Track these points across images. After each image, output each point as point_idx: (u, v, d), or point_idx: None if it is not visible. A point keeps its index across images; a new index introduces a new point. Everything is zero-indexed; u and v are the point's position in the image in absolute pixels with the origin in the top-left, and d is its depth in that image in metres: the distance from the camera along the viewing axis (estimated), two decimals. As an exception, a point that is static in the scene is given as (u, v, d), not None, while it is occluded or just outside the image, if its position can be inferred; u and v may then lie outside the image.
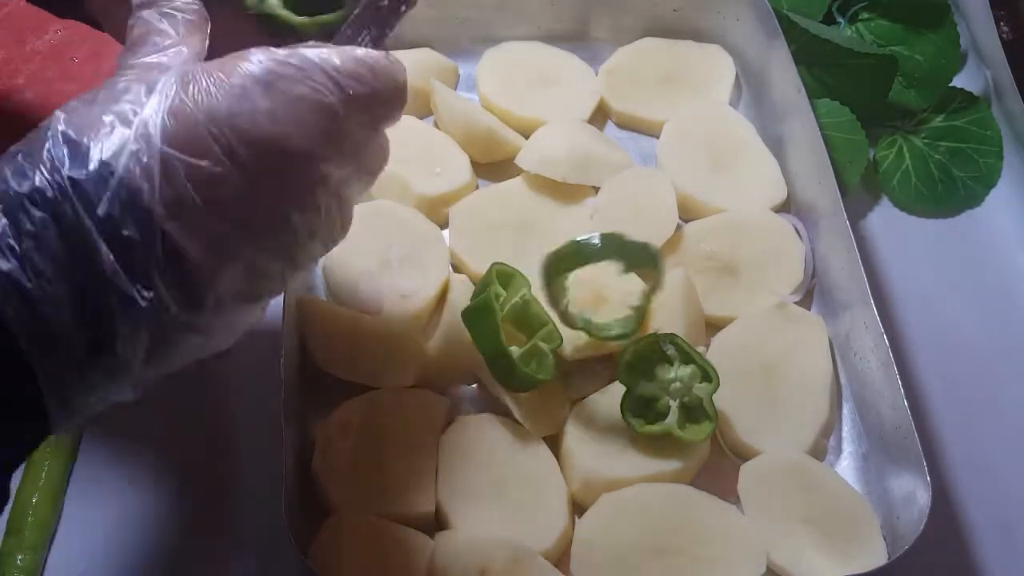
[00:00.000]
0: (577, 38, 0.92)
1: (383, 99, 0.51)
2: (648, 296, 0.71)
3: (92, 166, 0.45)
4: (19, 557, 0.65)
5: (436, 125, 0.87)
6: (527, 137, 0.84)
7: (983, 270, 0.83)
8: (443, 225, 0.80)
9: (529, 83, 0.88)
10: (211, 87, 0.46)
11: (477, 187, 0.83)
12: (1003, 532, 0.71)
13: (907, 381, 0.72)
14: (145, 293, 0.46)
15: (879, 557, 0.64)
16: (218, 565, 0.67)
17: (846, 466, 0.71)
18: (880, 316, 0.69)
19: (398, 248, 0.76)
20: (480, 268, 0.76)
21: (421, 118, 0.87)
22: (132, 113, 0.46)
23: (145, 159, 0.45)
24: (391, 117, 0.53)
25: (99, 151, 0.45)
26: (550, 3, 0.91)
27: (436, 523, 0.67)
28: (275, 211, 0.49)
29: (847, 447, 0.72)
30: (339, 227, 0.53)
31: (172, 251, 0.46)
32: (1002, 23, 0.89)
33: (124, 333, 0.46)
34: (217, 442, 0.72)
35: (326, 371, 0.71)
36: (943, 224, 0.86)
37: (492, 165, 0.84)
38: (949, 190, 0.86)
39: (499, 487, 0.67)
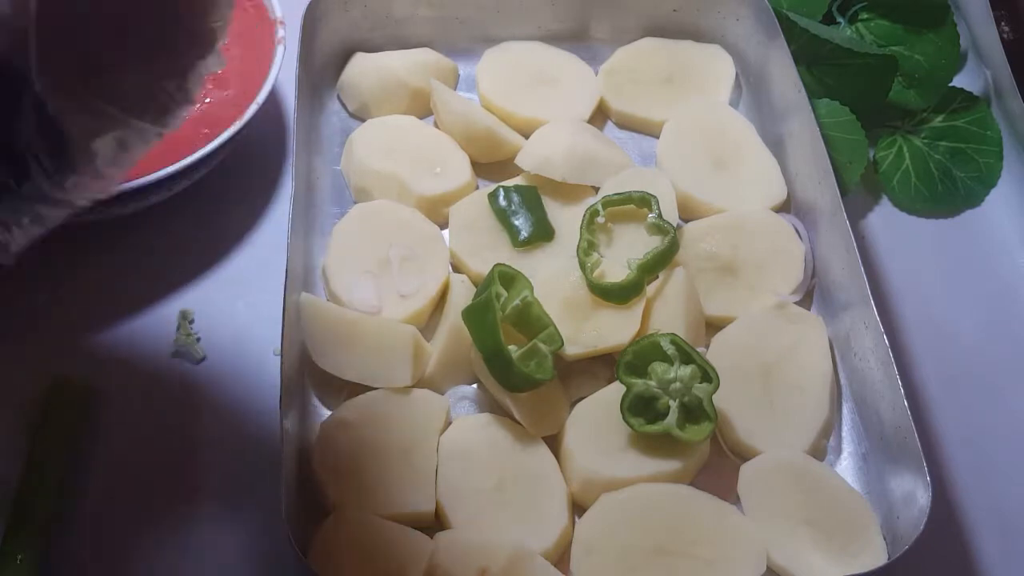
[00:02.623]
0: (577, 38, 0.92)
1: None
2: (653, 259, 0.73)
3: None
4: (19, 557, 0.65)
5: (436, 125, 0.87)
6: (527, 137, 0.84)
7: (983, 270, 0.83)
8: (443, 225, 0.81)
9: (529, 83, 0.88)
10: None
11: (477, 187, 0.83)
12: (1003, 532, 0.71)
13: (907, 381, 0.72)
14: (18, 172, 0.44)
15: (879, 557, 0.64)
16: (218, 564, 0.67)
17: (846, 466, 0.71)
18: (880, 316, 0.69)
19: (398, 248, 0.76)
20: (480, 268, 0.76)
21: (421, 118, 0.87)
22: None
23: (14, 23, 0.42)
24: None
25: None
26: (550, 3, 0.91)
27: (436, 523, 0.67)
28: (156, 70, 0.47)
29: (847, 447, 0.72)
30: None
31: (45, 122, 0.44)
32: (1002, 23, 0.89)
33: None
34: (217, 442, 0.72)
35: (326, 371, 0.71)
36: (943, 224, 0.86)
37: (492, 165, 0.84)
38: (949, 190, 0.86)
39: (499, 487, 0.67)
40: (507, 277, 0.72)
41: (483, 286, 0.71)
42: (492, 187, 0.80)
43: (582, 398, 0.72)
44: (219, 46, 0.51)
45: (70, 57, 0.44)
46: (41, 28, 0.43)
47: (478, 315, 0.68)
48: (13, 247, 0.48)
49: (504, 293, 0.71)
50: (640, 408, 0.68)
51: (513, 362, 0.67)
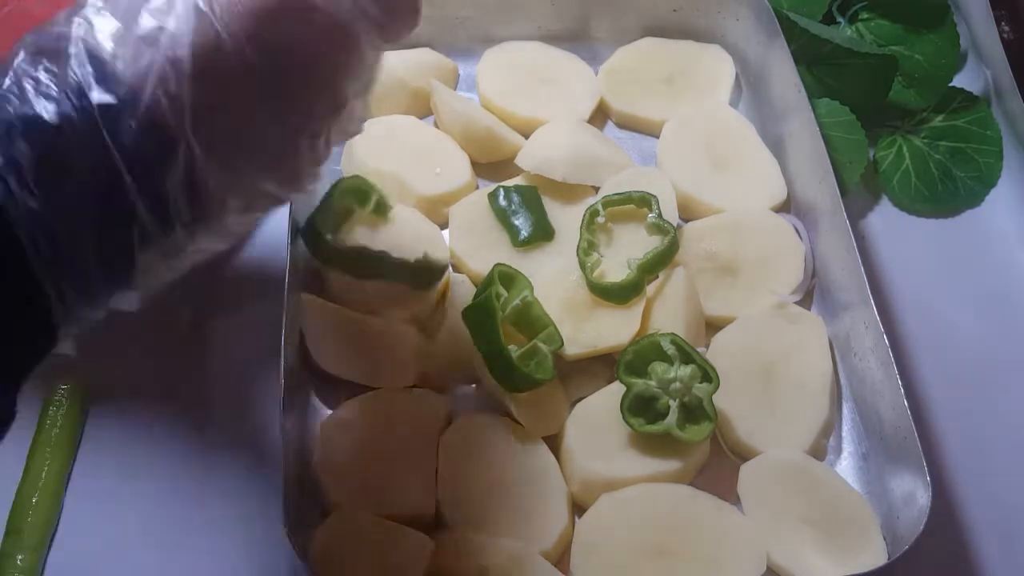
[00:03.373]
0: (577, 38, 0.92)
1: (397, 17, 0.52)
2: (653, 259, 0.73)
3: (122, 91, 0.44)
4: (19, 557, 0.65)
5: (436, 125, 0.87)
6: (527, 137, 0.84)
7: (983, 270, 0.83)
8: (443, 225, 0.80)
9: (529, 83, 0.88)
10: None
11: (477, 187, 0.83)
12: (1003, 532, 0.71)
13: (907, 381, 0.72)
14: (165, 227, 0.46)
15: (879, 557, 0.64)
16: (218, 564, 0.67)
17: (846, 466, 0.71)
18: (880, 316, 0.69)
19: (398, 248, 0.76)
20: (480, 268, 0.76)
21: (421, 118, 0.87)
22: (158, 28, 0.45)
23: (174, 87, 0.44)
24: (401, 36, 0.53)
25: (127, 72, 0.44)
26: (550, 3, 0.91)
27: (436, 523, 0.67)
28: (293, 127, 0.49)
29: (847, 447, 0.72)
30: (328, 148, 0.53)
31: (190, 178, 0.46)
32: (1002, 23, 0.89)
33: (141, 266, 0.46)
34: (217, 441, 0.72)
35: (326, 371, 0.71)
36: (943, 224, 0.86)
37: (492, 165, 0.84)
38: (949, 190, 0.86)
39: (499, 487, 0.67)
40: (507, 277, 0.72)
41: (483, 286, 0.71)
42: (492, 187, 0.80)
43: (582, 398, 0.72)
44: (355, 112, 0.52)
45: (221, 116, 0.46)
46: (195, 87, 0.44)
47: (478, 315, 0.68)
48: (141, 294, 0.49)
49: (504, 293, 0.71)
50: (640, 408, 0.68)
51: (513, 362, 0.67)
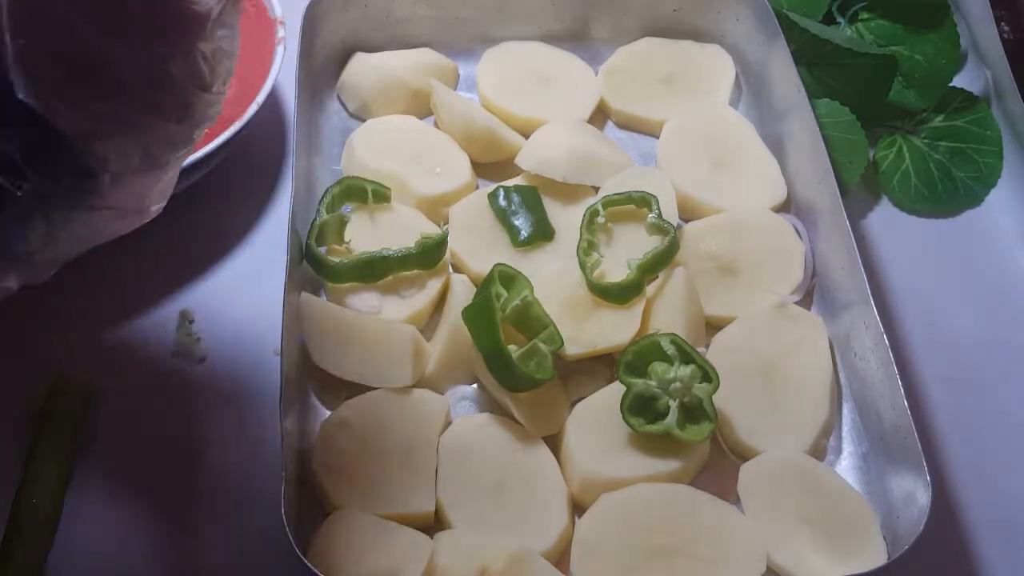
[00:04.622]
0: (577, 38, 0.92)
1: None
2: (653, 259, 0.73)
3: None
4: (19, 556, 0.65)
5: (436, 125, 0.87)
6: (527, 137, 0.84)
7: (983, 270, 0.83)
8: (443, 225, 0.81)
9: (529, 83, 0.88)
10: None
11: (477, 187, 0.83)
12: (1003, 532, 0.71)
13: (907, 381, 0.72)
14: (21, 182, 0.42)
15: (879, 557, 0.64)
16: (218, 564, 0.67)
17: (846, 466, 0.71)
18: (880, 316, 0.69)
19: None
20: (480, 268, 0.76)
21: (421, 118, 0.87)
22: None
23: None
24: None
25: None
26: (550, 3, 0.91)
27: (436, 523, 0.67)
28: (150, 51, 0.44)
29: (847, 447, 0.72)
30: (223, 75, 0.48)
31: (42, 126, 0.42)
32: (1002, 23, 0.89)
33: (13, 231, 0.43)
34: (217, 442, 0.72)
35: (326, 371, 0.71)
36: (943, 224, 0.86)
37: (492, 165, 0.84)
38: (949, 190, 0.86)
39: (499, 487, 0.67)
40: (507, 277, 0.72)
41: (483, 286, 0.71)
42: (492, 187, 0.80)
43: (582, 398, 0.72)
44: (223, 24, 0.47)
45: (53, 57, 0.42)
46: (15, 30, 0.41)
47: (478, 315, 0.68)
48: (38, 258, 0.46)
49: (504, 293, 0.71)
50: (640, 408, 0.68)
51: (513, 362, 0.67)
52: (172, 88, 0.46)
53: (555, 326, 0.70)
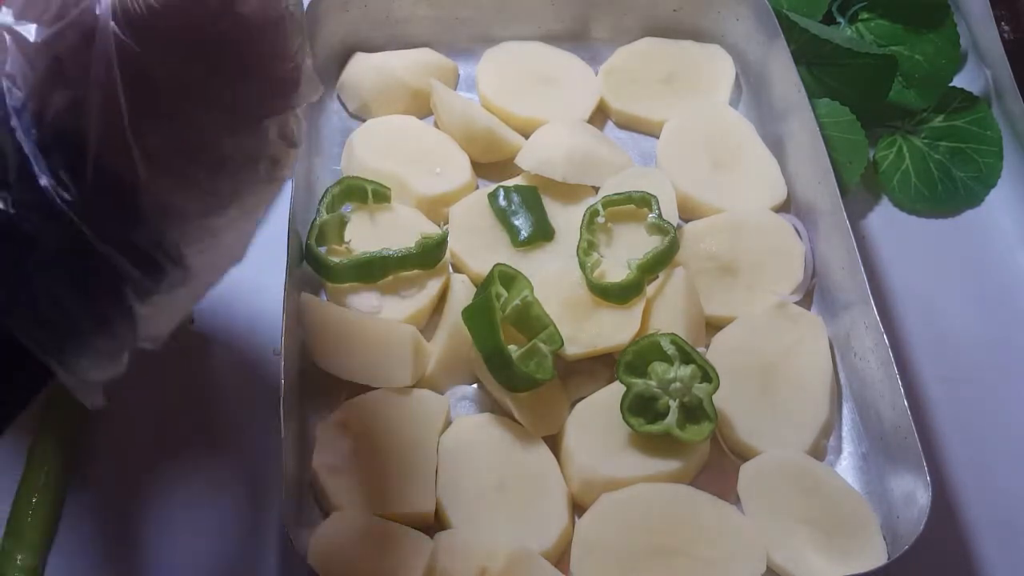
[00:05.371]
0: (577, 38, 0.92)
1: None
2: (653, 259, 0.73)
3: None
4: (19, 557, 0.65)
5: (436, 125, 0.87)
6: (527, 137, 0.84)
7: (983, 270, 0.83)
8: (443, 225, 0.81)
9: (529, 83, 0.88)
10: None
11: (477, 187, 0.83)
12: (1003, 532, 0.71)
13: (907, 381, 0.72)
14: (155, 273, 0.44)
15: (879, 557, 0.64)
16: (218, 564, 0.67)
17: (846, 466, 0.71)
18: (880, 316, 0.69)
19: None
20: (480, 268, 0.76)
21: (421, 118, 0.87)
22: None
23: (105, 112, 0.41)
24: None
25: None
26: (550, 3, 0.91)
27: (436, 523, 0.67)
28: (249, 117, 0.46)
29: (847, 447, 0.72)
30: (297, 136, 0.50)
31: (163, 210, 0.44)
32: (1002, 23, 0.89)
33: (146, 313, 0.45)
34: (217, 442, 0.72)
35: (326, 371, 0.71)
36: (943, 224, 0.86)
37: (492, 165, 0.84)
38: (949, 190, 0.86)
39: (499, 487, 0.67)
40: (507, 277, 0.72)
41: (483, 286, 0.71)
42: (492, 187, 0.80)
43: (582, 398, 0.72)
44: (307, 72, 0.50)
45: (170, 145, 0.44)
46: (136, 130, 0.42)
47: (478, 315, 0.68)
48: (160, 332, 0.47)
49: (504, 293, 0.71)
50: (640, 408, 0.68)
51: (513, 362, 0.67)
52: (266, 150, 0.48)
53: (555, 326, 0.70)
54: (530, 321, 0.71)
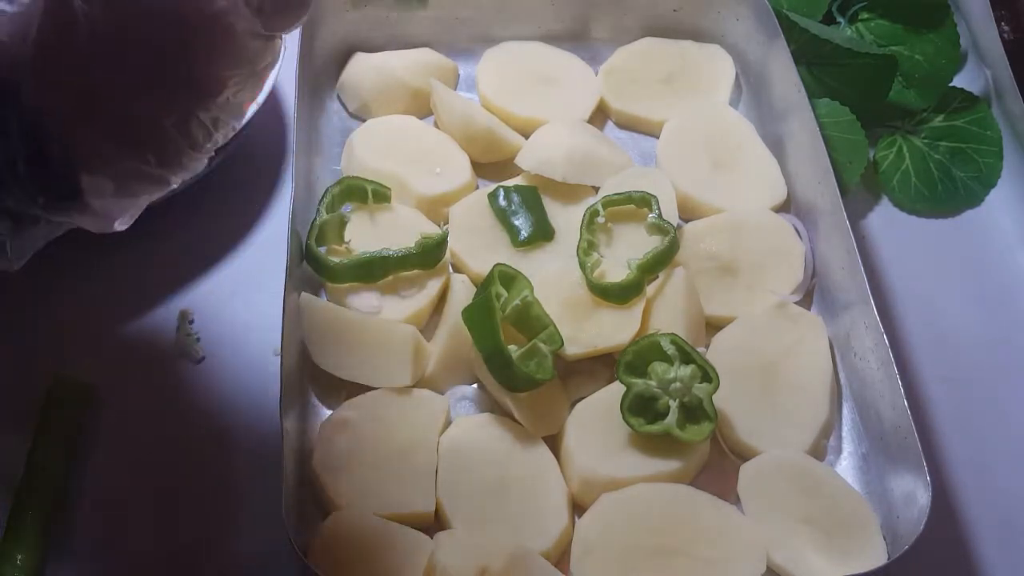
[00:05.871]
0: (577, 38, 0.92)
1: (281, 9, 0.51)
2: (653, 259, 0.73)
3: None
4: (19, 557, 0.65)
5: (436, 125, 0.87)
6: (527, 137, 0.84)
7: (983, 270, 0.83)
8: (443, 225, 0.81)
9: (529, 83, 0.88)
10: None
11: (477, 187, 0.83)
12: (1003, 532, 0.71)
13: (907, 381, 0.72)
14: (27, 214, 0.46)
15: (879, 557, 0.64)
16: (218, 565, 0.67)
17: (846, 466, 0.71)
18: (880, 316, 0.69)
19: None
20: (480, 268, 0.76)
21: (421, 118, 0.87)
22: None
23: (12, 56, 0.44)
24: (287, 29, 0.52)
25: None
26: (550, 3, 0.91)
27: (436, 523, 0.67)
28: (153, 108, 0.48)
29: (847, 447, 0.72)
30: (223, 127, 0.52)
31: (37, 146, 0.45)
32: (1002, 23, 0.89)
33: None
34: (217, 442, 0.72)
35: (326, 371, 0.71)
36: (943, 224, 0.86)
37: (492, 165, 0.84)
38: (949, 190, 0.86)
39: (499, 487, 0.67)
40: (507, 277, 0.72)
41: (483, 286, 0.71)
42: (492, 187, 0.80)
43: (582, 398, 0.72)
44: (232, 98, 0.51)
45: (67, 88, 0.45)
46: (38, 56, 0.44)
47: (478, 315, 0.68)
48: (10, 253, 0.49)
49: (504, 293, 0.71)
50: (640, 408, 0.68)
51: (513, 362, 0.67)
52: (163, 138, 0.49)
53: (555, 326, 0.70)
54: (530, 321, 0.71)
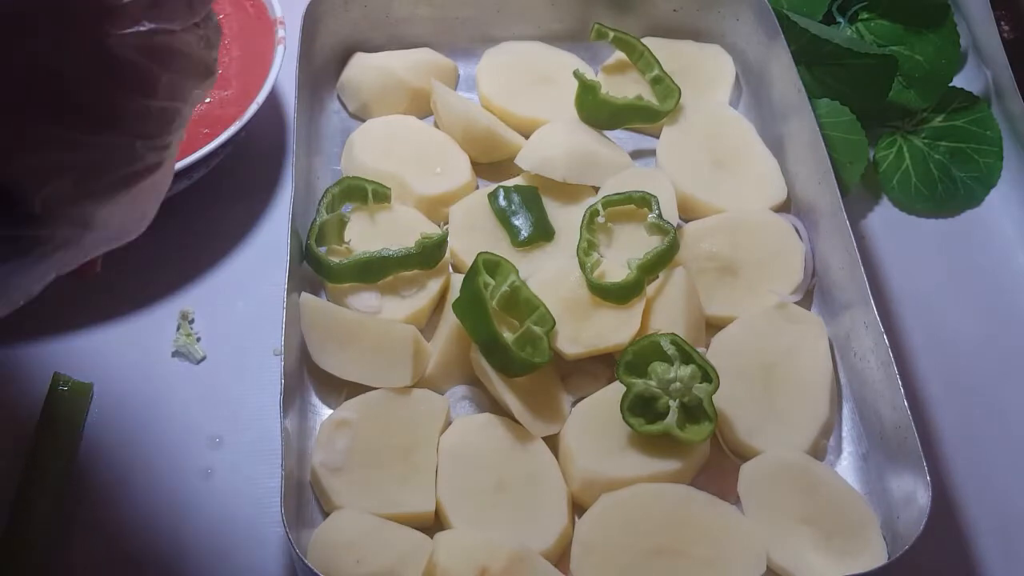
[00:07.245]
0: (577, 38, 0.92)
1: None
2: (653, 259, 0.73)
3: None
4: (21, 555, 0.65)
5: (436, 125, 0.87)
6: (527, 137, 0.84)
7: (983, 270, 0.83)
8: (443, 225, 0.81)
9: (529, 83, 0.88)
10: None
11: (477, 187, 0.83)
12: (1003, 532, 0.71)
13: (907, 381, 0.72)
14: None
15: (879, 557, 0.64)
16: (218, 564, 0.67)
17: (846, 466, 0.71)
18: (880, 316, 0.69)
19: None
20: (480, 268, 0.76)
21: (421, 118, 0.87)
22: None
23: None
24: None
25: None
26: (550, 3, 0.91)
27: (436, 523, 0.67)
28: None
29: (847, 447, 0.72)
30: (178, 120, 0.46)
31: None
32: (1002, 23, 0.89)
33: None
34: (216, 441, 0.72)
35: (326, 371, 0.71)
36: (943, 224, 0.86)
37: (492, 165, 0.84)
38: (949, 190, 0.86)
39: (499, 487, 0.67)
40: (492, 264, 0.72)
41: (469, 277, 0.70)
42: (492, 187, 0.80)
43: (582, 398, 0.72)
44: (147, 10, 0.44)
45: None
46: None
47: (469, 307, 0.69)
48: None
49: (491, 281, 0.71)
50: (640, 408, 0.68)
51: (510, 348, 0.67)
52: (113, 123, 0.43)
53: (545, 307, 0.70)
54: (520, 305, 0.71)
